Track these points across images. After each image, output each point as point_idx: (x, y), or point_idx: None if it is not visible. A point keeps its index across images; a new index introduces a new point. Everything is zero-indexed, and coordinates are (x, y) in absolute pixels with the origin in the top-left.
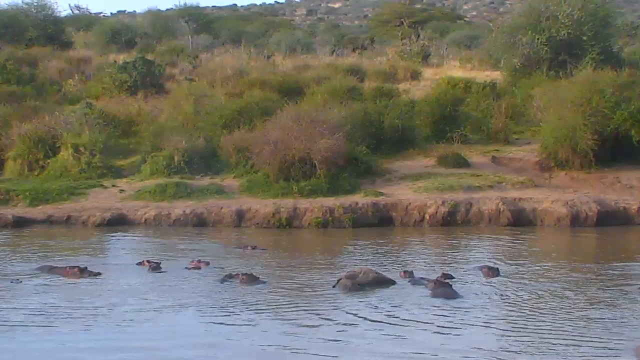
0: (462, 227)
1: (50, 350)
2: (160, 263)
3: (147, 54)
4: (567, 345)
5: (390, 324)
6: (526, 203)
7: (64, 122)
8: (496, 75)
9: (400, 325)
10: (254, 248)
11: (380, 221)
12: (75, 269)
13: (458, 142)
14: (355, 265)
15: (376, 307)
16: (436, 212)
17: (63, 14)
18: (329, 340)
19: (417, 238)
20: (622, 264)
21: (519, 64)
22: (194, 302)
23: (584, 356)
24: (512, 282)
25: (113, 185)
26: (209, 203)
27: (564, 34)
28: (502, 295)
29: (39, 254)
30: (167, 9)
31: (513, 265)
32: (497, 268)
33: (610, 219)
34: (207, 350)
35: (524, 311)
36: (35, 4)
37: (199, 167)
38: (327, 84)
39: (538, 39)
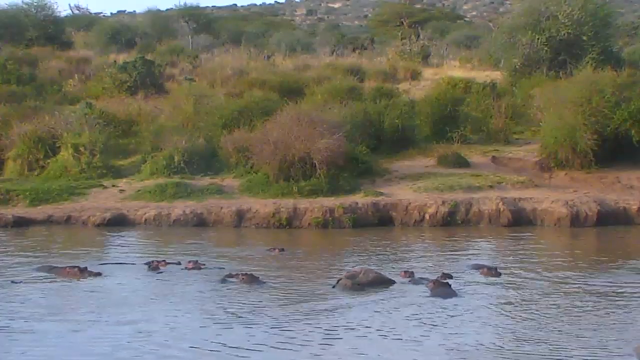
0: (462, 227)
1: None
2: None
3: (147, 54)
4: (566, 344)
5: (389, 324)
6: (526, 203)
7: (64, 122)
8: (496, 75)
9: (399, 325)
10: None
11: (380, 221)
12: (75, 269)
13: (458, 142)
14: (355, 265)
15: (375, 307)
16: (436, 212)
17: (63, 14)
18: (326, 341)
19: (417, 238)
20: (622, 263)
21: (519, 64)
22: (192, 303)
23: (584, 356)
24: (511, 282)
25: (113, 185)
26: (209, 203)
27: (564, 34)
28: (501, 295)
29: (39, 254)
30: (167, 9)
31: (513, 265)
32: (497, 268)
33: (610, 219)
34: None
35: (523, 311)
36: (35, 4)
37: (199, 167)
38: (327, 84)
39: (538, 39)
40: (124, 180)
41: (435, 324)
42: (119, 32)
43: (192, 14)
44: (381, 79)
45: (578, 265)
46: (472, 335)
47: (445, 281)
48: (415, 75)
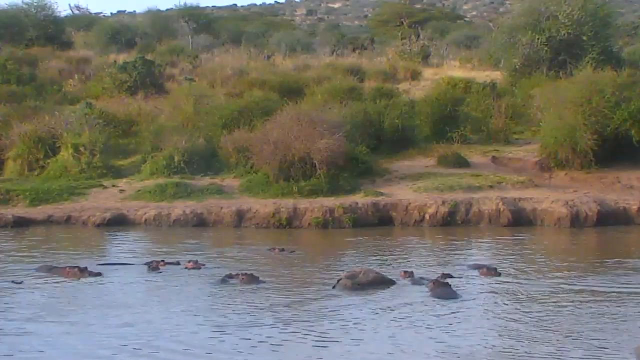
0: (462, 227)
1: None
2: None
3: (147, 54)
4: (566, 344)
5: (388, 324)
6: (526, 203)
7: (64, 122)
8: (496, 75)
9: (398, 326)
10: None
11: (381, 221)
12: (75, 269)
13: (458, 142)
14: (355, 265)
15: (374, 307)
16: (436, 212)
17: (63, 14)
18: (324, 340)
19: (417, 238)
20: (622, 263)
21: (519, 64)
22: (192, 303)
23: (583, 356)
24: (511, 282)
25: (113, 185)
26: (209, 203)
27: (564, 34)
28: (501, 295)
29: (39, 254)
30: (167, 9)
31: (512, 265)
32: (496, 268)
33: (610, 219)
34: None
35: (522, 311)
36: (35, 4)
37: (199, 167)
38: (327, 84)
39: (538, 39)
40: (124, 180)
41: (434, 324)
42: (119, 32)
43: (192, 14)
44: (381, 79)
45: (578, 265)
46: (471, 336)
47: (445, 281)
48: (415, 75)
